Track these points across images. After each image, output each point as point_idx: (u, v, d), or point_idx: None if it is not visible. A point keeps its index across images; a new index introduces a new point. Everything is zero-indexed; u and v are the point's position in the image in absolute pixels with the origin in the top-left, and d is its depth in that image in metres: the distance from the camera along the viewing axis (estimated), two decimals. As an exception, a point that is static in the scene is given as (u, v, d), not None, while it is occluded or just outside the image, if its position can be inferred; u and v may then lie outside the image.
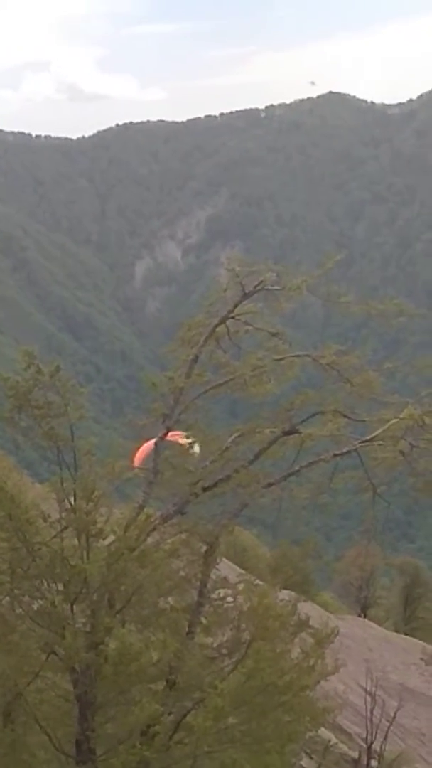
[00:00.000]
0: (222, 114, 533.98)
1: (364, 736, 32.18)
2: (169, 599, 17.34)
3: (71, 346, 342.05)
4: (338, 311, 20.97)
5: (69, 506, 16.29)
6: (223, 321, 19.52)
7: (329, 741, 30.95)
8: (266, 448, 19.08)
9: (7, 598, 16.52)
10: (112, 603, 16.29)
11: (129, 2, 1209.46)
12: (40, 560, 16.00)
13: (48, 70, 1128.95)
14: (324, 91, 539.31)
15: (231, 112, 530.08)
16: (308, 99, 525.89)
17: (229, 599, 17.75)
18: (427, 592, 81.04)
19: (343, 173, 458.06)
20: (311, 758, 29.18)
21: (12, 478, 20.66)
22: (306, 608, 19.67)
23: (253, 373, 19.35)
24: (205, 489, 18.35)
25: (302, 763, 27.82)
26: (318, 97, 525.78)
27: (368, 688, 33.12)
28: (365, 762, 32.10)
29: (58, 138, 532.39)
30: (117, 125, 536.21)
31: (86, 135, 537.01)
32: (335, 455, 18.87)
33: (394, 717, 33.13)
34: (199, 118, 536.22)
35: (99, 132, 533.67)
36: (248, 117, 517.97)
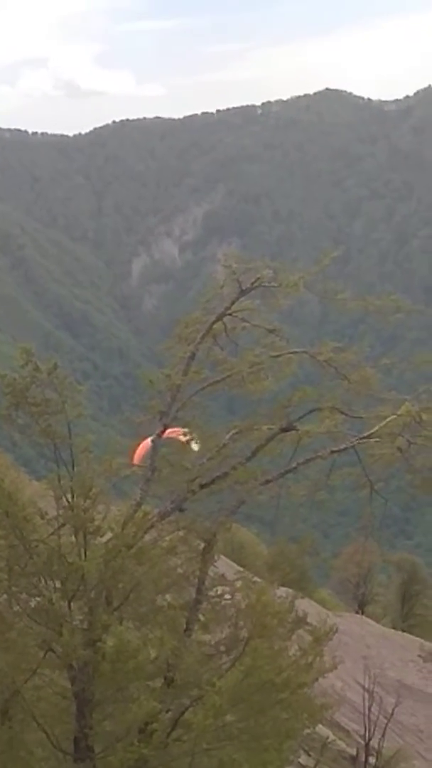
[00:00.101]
0: (218, 110, 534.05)
1: (362, 732, 32.24)
2: (167, 596, 17.33)
3: (68, 344, 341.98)
4: (335, 308, 20.97)
5: (66, 503, 16.26)
6: (220, 318, 19.50)
7: (327, 738, 30.98)
8: (263, 445, 19.07)
9: (5, 596, 16.49)
10: (110, 600, 16.27)
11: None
12: (37, 557, 15.98)
13: (45, 67, 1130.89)
14: (321, 87, 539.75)
15: (227, 109, 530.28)
16: (305, 95, 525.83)
17: (227, 596, 17.74)
18: (425, 588, 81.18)
19: (340, 170, 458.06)
20: (309, 755, 29.21)
21: (9, 476, 20.68)
22: (303, 605, 19.67)
23: (250, 370, 19.33)
24: (202, 486, 18.34)
25: (300, 760, 27.86)
26: (315, 93, 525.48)
27: (366, 685, 33.19)
28: (363, 759, 32.14)
29: (55, 135, 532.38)
30: (113, 122, 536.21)
31: (83, 132, 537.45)
32: (332, 452, 18.86)
33: (392, 714, 33.20)
34: (195, 114, 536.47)
35: (96, 129, 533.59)
36: (245, 113, 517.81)
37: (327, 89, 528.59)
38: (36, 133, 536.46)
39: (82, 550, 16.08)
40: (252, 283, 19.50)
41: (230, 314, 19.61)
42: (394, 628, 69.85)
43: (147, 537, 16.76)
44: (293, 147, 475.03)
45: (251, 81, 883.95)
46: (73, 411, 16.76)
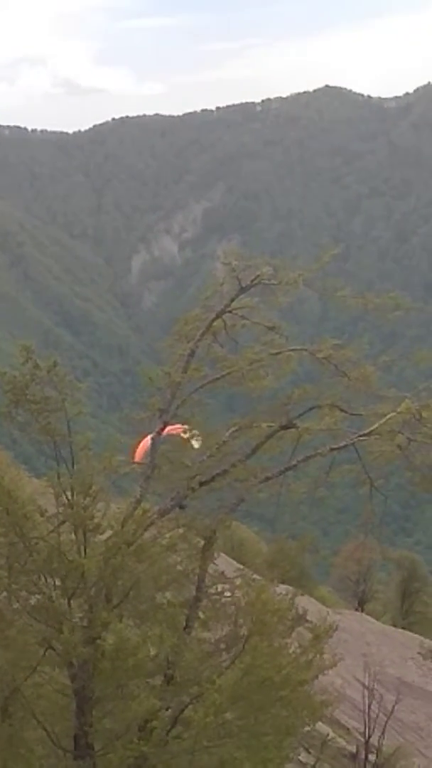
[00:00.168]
0: (218, 108, 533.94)
1: (362, 730, 32.24)
2: (167, 594, 17.32)
3: (68, 341, 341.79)
4: (335, 305, 20.99)
5: (66, 501, 16.28)
6: (219, 315, 19.49)
7: (327, 735, 30.99)
8: (263, 442, 19.07)
9: (5, 593, 16.49)
10: (110, 598, 16.28)
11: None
12: (37, 555, 15.99)
13: (44, 64, 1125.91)
14: (320, 84, 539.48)
15: (227, 106, 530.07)
16: (304, 93, 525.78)
17: (227, 594, 17.75)
18: (425, 586, 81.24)
19: (340, 167, 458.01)
20: (309, 753, 29.22)
21: (9, 473, 20.65)
22: (303, 603, 19.68)
23: (250, 367, 19.34)
24: (202, 483, 18.34)
25: (300, 757, 27.86)
26: (314, 90, 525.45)
27: (366, 683, 33.20)
28: (363, 756, 32.14)
29: (55, 132, 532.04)
30: (113, 119, 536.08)
31: (82, 129, 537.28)
32: (332, 449, 18.87)
33: (392, 711, 33.19)
34: (195, 112, 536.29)
35: (95, 126, 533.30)
36: (244, 111, 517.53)
37: (327, 86, 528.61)
38: (35, 130, 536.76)
39: (82, 548, 16.09)
40: (252, 281, 19.49)
41: (230, 311, 19.60)
42: (394, 625, 69.91)
43: (147, 534, 16.77)
44: (293, 144, 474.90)
45: (251, 78, 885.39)
46: (73, 408, 16.78)
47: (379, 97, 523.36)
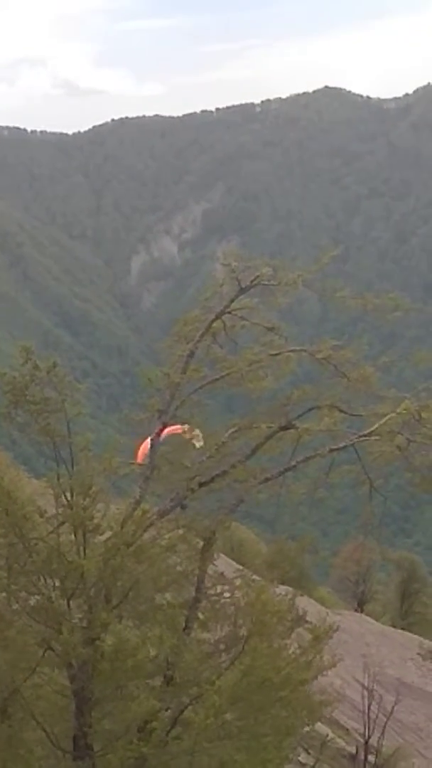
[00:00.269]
0: (218, 109, 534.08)
1: (362, 731, 32.26)
2: (166, 595, 17.32)
3: (67, 342, 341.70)
4: (334, 306, 20.98)
5: (66, 502, 16.27)
6: (219, 316, 19.49)
7: (326, 736, 30.98)
8: (263, 443, 19.08)
9: (4, 594, 16.49)
10: (109, 598, 16.27)
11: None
12: (36, 556, 15.98)
13: (44, 66, 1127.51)
14: (320, 85, 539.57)
15: (227, 107, 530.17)
16: (304, 93, 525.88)
17: (226, 595, 17.74)
18: (424, 587, 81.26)
19: (339, 168, 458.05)
20: (309, 753, 29.22)
21: (9, 474, 20.65)
22: (303, 603, 19.68)
23: (249, 368, 19.34)
24: (201, 484, 18.34)
25: (300, 758, 27.86)
26: (314, 91, 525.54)
27: (365, 684, 33.19)
28: (362, 757, 32.15)
29: (54, 133, 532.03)
30: (113, 120, 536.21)
31: (82, 130, 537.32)
32: (332, 450, 18.87)
33: (392, 712, 33.21)
34: (194, 112, 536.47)
35: (95, 127, 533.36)
36: (244, 111, 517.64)
37: (326, 87, 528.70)
38: (35, 131, 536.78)
39: (82, 549, 16.08)
40: (251, 282, 19.50)
41: (229, 312, 19.61)
42: (393, 626, 69.88)
43: (146, 535, 16.76)
44: (292, 145, 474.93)
45: (250, 79, 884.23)
46: (73, 409, 16.78)
47: (379, 98, 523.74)
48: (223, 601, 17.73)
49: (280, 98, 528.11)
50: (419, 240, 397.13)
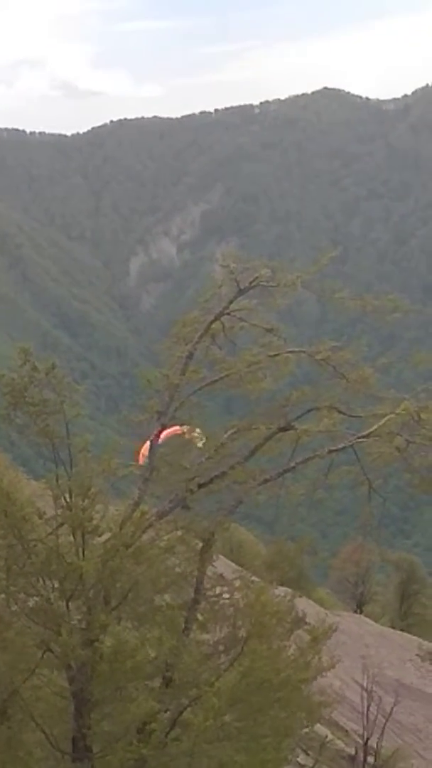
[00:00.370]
0: (216, 110, 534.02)
1: (361, 732, 32.26)
2: (165, 596, 17.32)
3: (66, 343, 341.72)
4: (333, 307, 20.95)
5: (65, 503, 16.26)
6: (218, 317, 19.48)
7: (326, 737, 30.97)
8: (262, 444, 19.07)
9: (3, 595, 16.49)
10: (108, 600, 16.27)
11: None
12: (35, 557, 15.98)
13: (43, 67, 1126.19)
14: (319, 86, 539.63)
15: (225, 108, 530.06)
16: (303, 95, 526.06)
17: (226, 596, 17.74)
18: (423, 588, 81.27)
19: (338, 169, 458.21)
20: (308, 754, 29.21)
21: (7, 475, 20.67)
22: (302, 605, 19.68)
23: (248, 369, 19.33)
24: (200, 485, 18.33)
25: (299, 759, 27.84)
26: (312, 92, 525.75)
27: (364, 685, 33.19)
28: (362, 758, 32.15)
29: (53, 134, 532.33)
30: (111, 122, 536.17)
31: (81, 131, 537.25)
32: (331, 451, 18.86)
33: (391, 713, 33.21)
34: (193, 114, 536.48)
35: (93, 128, 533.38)
36: (243, 113, 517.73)
37: (325, 88, 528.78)
38: (34, 132, 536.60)
39: (81, 550, 16.07)
40: (250, 283, 19.50)
41: (228, 314, 19.60)
42: (392, 627, 69.86)
43: (145, 537, 16.75)
44: (291, 146, 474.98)
45: (249, 80, 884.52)
46: (71, 411, 16.78)
47: (378, 99, 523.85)
48: (222, 602, 17.73)
49: (278, 99, 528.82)
50: (418, 241, 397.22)
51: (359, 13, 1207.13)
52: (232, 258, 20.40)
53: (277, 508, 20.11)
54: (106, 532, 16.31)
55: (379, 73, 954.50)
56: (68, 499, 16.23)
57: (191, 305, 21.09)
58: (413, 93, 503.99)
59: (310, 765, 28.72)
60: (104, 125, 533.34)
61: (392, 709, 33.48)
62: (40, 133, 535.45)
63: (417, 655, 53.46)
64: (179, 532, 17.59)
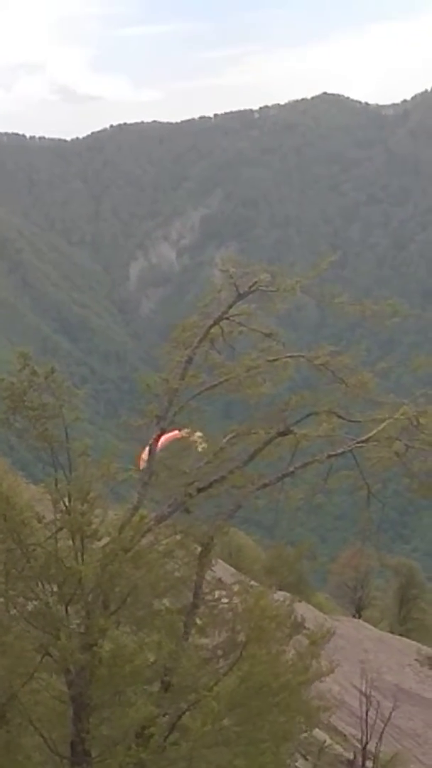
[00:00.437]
0: (216, 115, 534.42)
1: (359, 737, 32.18)
2: (164, 600, 17.32)
3: (66, 348, 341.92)
4: (333, 312, 20.96)
5: (64, 507, 16.27)
6: (217, 322, 19.49)
7: (324, 742, 30.95)
8: (261, 449, 19.08)
9: (2, 600, 16.49)
10: (107, 604, 16.27)
11: (122, 3, 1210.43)
12: (34, 561, 15.98)
13: (42, 71, 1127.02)
14: (318, 92, 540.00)
15: (225, 113, 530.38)
16: (302, 100, 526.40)
17: (224, 600, 17.74)
18: (422, 593, 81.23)
19: (338, 174, 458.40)
20: (306, 759, 29.19)
21: (7, 480, 20.68)
22: (301, 609, 19.68)
23: (247, 374, 19.33)
24: (200, 490, 18.33)
25: (297, 764, 27.80)
26: (312, 97, 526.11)
27: (363, 689, 33.12)
28: (360, 763, 32.09)
29: (52, 139, 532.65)
30: (111, 126, 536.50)
31: (80, 136, 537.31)
32: (330, 456, 18.86)
33: (389, 718, 33.12)
34: (193, 119, 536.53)
35: (93, 133, 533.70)
36: (242, 118, 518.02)
37: (324, 93, 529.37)
38: (33, 137, 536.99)
39: (79, 554, 16.08)
40: (249, 287, 19.50)
41: (227, 318, 19.61)
42: (391, 632, 69.77)
43: (144, 541, 16.76)
44: (291, 151, 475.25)
45: (249, 85, 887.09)
46: (71, 415, 16.79)
47: (377, 104, 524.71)
48: (221, 606, 17.74)
49: (278, 104, 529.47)
50: (417, 246, 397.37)
51: (359, 18, 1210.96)
52: (232, 263, 20.41)
53: (276, 513, 20.12)
54: (105, 536, 16.32)
55: (378, 78, 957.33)
56: (67, 504, 16.23)
57: (191, 310, 21.09)
58: (413, 98, 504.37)
59: (309, 770, 28.70)
60: (104, 130, 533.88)
61: (391, 713, 33.40)
62: (39, 137, 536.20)
63: (416, 659, 53.41)
64: (178, 537, 17.59)
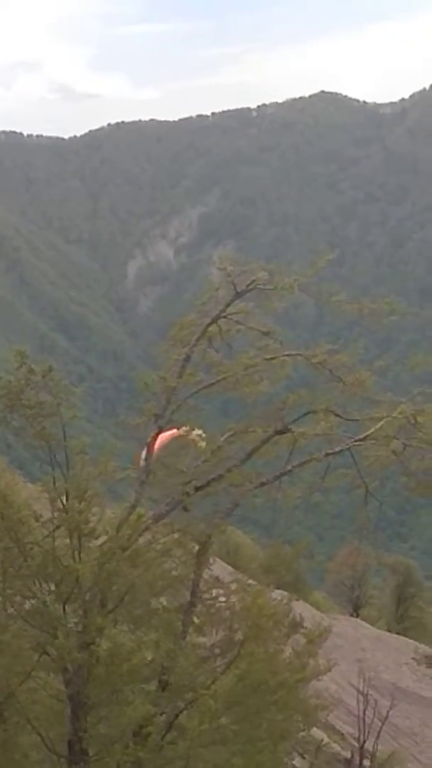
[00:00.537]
0: (214, 113, 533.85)
1: (357, 735, 32.18)
2: (162, 599, 17.31)
3: (63, 346, 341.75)
4: (330, 310, 20.94)
5: (61, 506, 16.26)
6: (215, 320, 19.48)
7: (321, 740, 30.96)
8: (258, 447, 19.07)
9: (-1, 598, 16.50)
10: (104, 603, 16.26)
11: (122, 2, 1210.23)
12: (32, 560, 15.97)
13: (40, 70, 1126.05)
14: (316, 90, 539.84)
15: (223, 112, 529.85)
16: (300, 98, 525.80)
17: (222, 599, 17.73)
18: (420, 591, 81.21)
19: (335, 172, 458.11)
20: (303, 758, 29.20)
21: (4, 478, 20.66)
22: (298, 608, 19.69)
23: (245, 372, 19.32)
24: (197, 488, 18.32)
25: (294, 762, 27.82)
26: (310, 96, 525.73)
27: (360, 688, 33.12)
28: (357, 761, 32.11)
29: (50, 137, 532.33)
30: (109, 124, 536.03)
31: (78, 134, 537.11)
32: (327, 454, 18.86)
33: (387, 716, 33.12)
34: (191, 117, 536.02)
35: (91, 131, 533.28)
36: (240, 116, 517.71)
37: (322, 92, 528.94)
38: (31, 135, 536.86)
39: (77, 553, 16.07)
40: (247, 286, 19.48)
41: (225, 317, 19.60)
42: (388, 630, 69.76)
43: (142, 540, 16.75)
44: (288, 149, 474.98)
45: (246, 84, 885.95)
46: (68, 413, 16.78)
47: (375, 103, 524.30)
48: (218, 605, 17.73)
49: (276, 103, 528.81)
50: (415, 245, 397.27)
51: (357, 16, 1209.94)
52: (230, 261, 20.39)
53: (273, 511, 20.12)
54: (103, 534, 16.31)
55: (376, 77, 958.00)
56: (65, 502, 16.22)
57: (188, 308, 21.07)
58: (410, 97, 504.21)
59: (306, 768, 28.71)
60: (102, 128, 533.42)
61: (388, 712, 33.40)
62: (37, 135, 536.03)
63: (413, 658, 53.42)
64: (176, 535, 17.58)
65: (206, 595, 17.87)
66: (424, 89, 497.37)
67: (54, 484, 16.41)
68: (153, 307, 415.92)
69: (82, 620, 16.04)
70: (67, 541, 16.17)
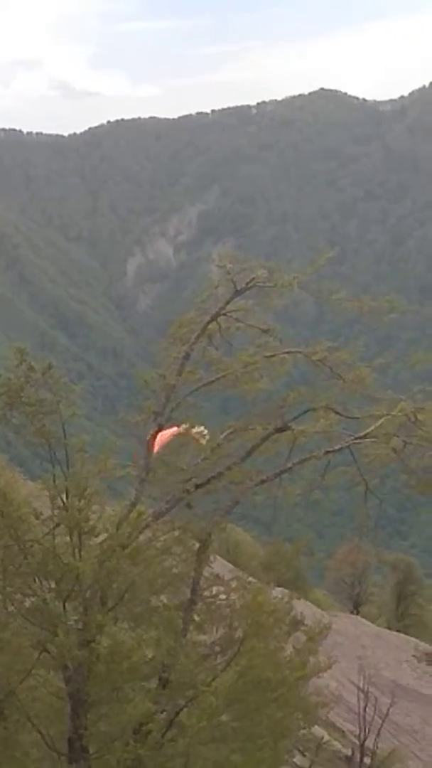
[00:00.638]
0: (213, 111, 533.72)
1: (357, 733, 32.22)
2: (162, 597, 17.30)
3: (63, 343, 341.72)
4: (330, 308, 20.92)
5: (61, 504, 16.25)
6: (214, 318, 19.46)
7: (322, 738, 30.99)
8: (258, 444, 19.06)
9: (-1, 596, 16.49)
10: (105, 600, 16.25)
11: (121, 0, 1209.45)
12: (32, 558, 15.97)
13: (40, 67, 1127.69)
14: (315, 87, 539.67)
15: (222, 109, 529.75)
16: (300, 96, 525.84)
17: (222, 596, 17.74)
18: (420, 589, 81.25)
19: (335, 170, 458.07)
20: (304, 755, 29.22)
21: (4, 476, 20.68)
22: (299, 606, 19.68)
23: (244, 370, 19.30)
24: (197, 486, 18.31)
25: (295, 760, 27.84)
26: (309, 93, 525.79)
27: (361, 685, 33.16)
28: (358, 759, 32.14)
29: (50, 135, 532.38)
30: (108, 122, 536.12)
31: (78, 132, 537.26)
32: (327, 452, 18.85)
33: (387, 714, 33.17)
34: (190, 114, 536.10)
35: (90, 129, 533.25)
36: (240, 114, 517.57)
37: (322, 89, 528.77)
38: (31, 132, 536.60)
39: (77, 551, 16.06)
40: (247, 284, 19.46)
41: (225, 314, 19.58)
42: (389, 628, 69.85)
43: (142, 537, 16.73)
44: (288, 147, 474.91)
45: (246, 81, 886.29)
46: (68, 411, 16.76)
47: (375, 100, 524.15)
48: (218, 603, 17.73)
49: (275, 100, 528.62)
50: (415, 242, 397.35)
51: (357, 14, 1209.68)
52: (229, 259, 20.36)
53: (274, 509, 20.12)
54: (103, 532, 16.30)
55: (376, 75, 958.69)
56: (65, 500, 16.21)
57: (188, 306, 21.05)
58: (410, 94, 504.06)
59: (307, 766, 28.73)
60: (101, 125, 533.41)
61: (388, 710, 33.44)
62: (37, 133, 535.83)
63: (413, 656, 53.50)
64: (176, 533, 17.57)
65: (206, 593, 17.87)
66: (424, 87, 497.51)
67: (54, 481, 16.39)
68: (152, 304, 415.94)
69: (82, 618, 16.04)
70: (68, 538, 16.16)
